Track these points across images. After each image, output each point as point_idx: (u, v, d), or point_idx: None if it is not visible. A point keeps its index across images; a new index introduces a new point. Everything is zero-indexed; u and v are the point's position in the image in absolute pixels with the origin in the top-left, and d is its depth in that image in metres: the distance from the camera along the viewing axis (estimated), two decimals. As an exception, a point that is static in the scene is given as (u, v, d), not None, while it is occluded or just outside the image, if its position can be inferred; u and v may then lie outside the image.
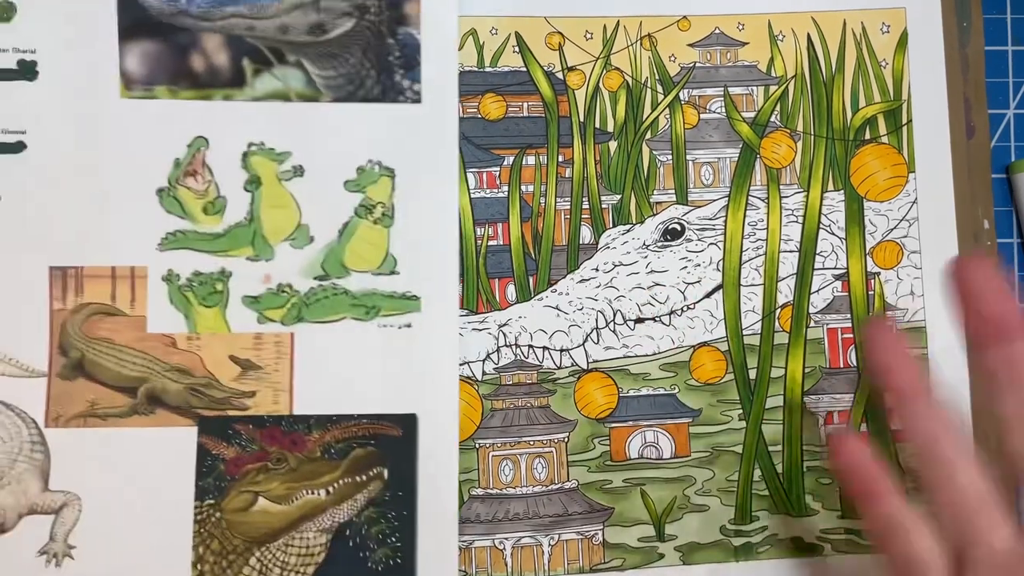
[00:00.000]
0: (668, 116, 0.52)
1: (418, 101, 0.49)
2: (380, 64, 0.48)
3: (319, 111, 0.48)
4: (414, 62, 0.48)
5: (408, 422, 0.48)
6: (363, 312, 0.48)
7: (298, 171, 0.48)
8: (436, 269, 0.49)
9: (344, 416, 0.48)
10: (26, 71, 0.47)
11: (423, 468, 0.48)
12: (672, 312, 0.51)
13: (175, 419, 0.47)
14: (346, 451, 0.48)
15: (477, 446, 0.50)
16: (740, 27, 0.52)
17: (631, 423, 0.50)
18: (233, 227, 0.48)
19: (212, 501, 0.47)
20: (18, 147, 0.47)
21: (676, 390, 0.51)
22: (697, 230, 0.52)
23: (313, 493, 0.47)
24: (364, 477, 0.47)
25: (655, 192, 0.52)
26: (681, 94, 0.52)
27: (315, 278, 0.48)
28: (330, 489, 0.47)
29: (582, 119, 0.52)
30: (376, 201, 0.48)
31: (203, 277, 0.48)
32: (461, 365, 0.50)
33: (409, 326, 0.48)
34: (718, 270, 0.51)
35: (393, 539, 0.47)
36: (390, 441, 0.48)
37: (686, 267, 0.51)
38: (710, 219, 0.52)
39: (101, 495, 0.47)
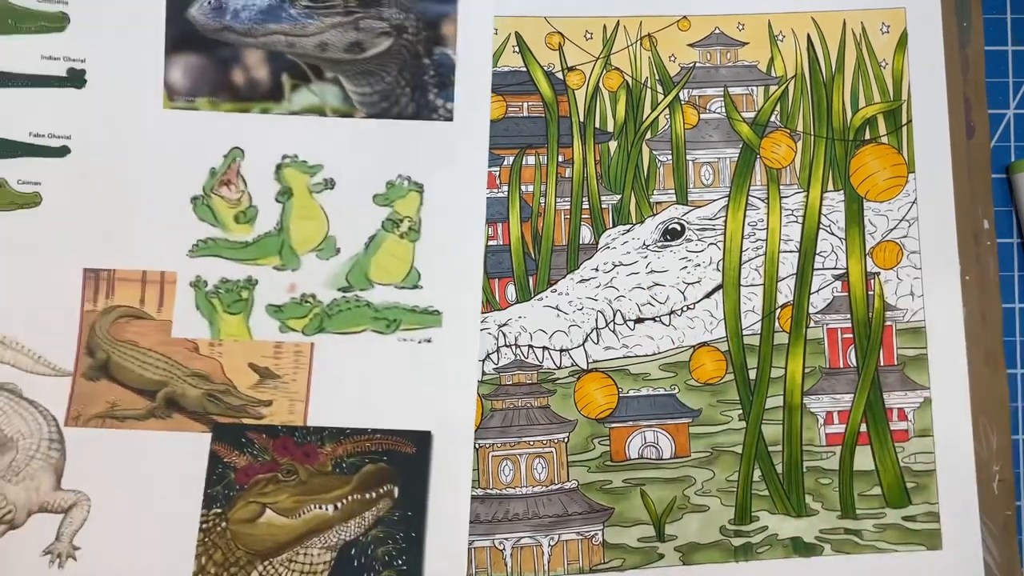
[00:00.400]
0: (668, 116, 0.52)
1: (450, 119, 0.50)
2: (415, 83, 0.49)
3: (353, 126, 0.49)
4: (448, 81, 0.49)
5: (422, 439, 0.48)
6: (384, 325, 0.48)
7: (329, 184, 0.49)
8: (459, 285, 0.49)
9: (358, 430, 0.47)
10: (75, 79, 0.49)
11: (435, 489, 0.47)
12: (672, 312, 0.51)
13: (190, 424, 0.47)
14: (357, 466, 0.47)
15: (477, 446, 0.50)
16: (740, 27, 0.52)
17: (631, 423, 0.50)
18: (262, 236, 0.49)
19: (219, 510, 0.47)
20: (63, 151, 0.49)
21: (676, 390, 0.51)
22: (697, 230, 0.52)
23: (321, 508, 0.47)
24: (374, 494, 0.47)
25: (655, 192, 0.52)
26: (681, 94, 0.52)
27: (339, 289, 0.49)
28: (339, 504, 0.47)
29: (582, 119, 0.52)
30: (404, 215, 0.49)
31: (230, 284, 0.48)
32: (461, 365, 0.50)
33: (429, 341, 0.48)
34: (718, 270, 0.51)
35: (399, 562, 0.46)
36: (402, 458, 0.47)
37: (686, 267, 0.51)
38: (710, 219, 0.52)
39: (110, 497, 0.47)
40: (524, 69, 0.51)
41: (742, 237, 0.52)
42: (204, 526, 0.46)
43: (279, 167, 0.49)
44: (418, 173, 0.49)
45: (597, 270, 0.51)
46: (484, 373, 0.50)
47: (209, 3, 0.48)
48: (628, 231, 0.51)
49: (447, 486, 0.48)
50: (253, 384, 0.48)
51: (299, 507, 0.46)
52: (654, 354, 0.51)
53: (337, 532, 0.46)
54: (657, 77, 0.52)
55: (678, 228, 0.52)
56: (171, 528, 0.46)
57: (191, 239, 0.49)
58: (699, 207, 0.52)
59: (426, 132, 0.49)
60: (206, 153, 0.49)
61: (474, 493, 0.49)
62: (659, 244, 0.51)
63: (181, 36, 0.49)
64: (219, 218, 0.49)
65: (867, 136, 0.52)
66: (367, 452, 0.47)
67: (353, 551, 0.46)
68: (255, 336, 0.48)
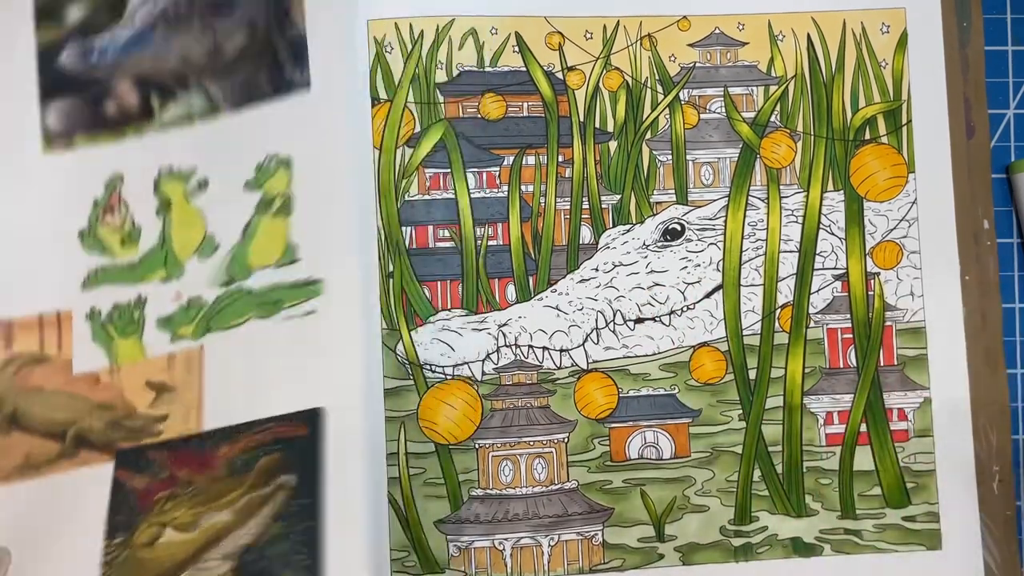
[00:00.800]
0: (668, 116, 0.52)
1: (308, 86, 0.49)
2: (271, 65, 0.49)
3: (219, 123, 0.49)
4: (303, 53, 0.49)
5: (314, 418, 0.44)
6: (267, 309, 0.47)
7: (203, 185, 0.48)
8: (337, 247, 0.47)
9: (248, 424, 0.44)
10: None
11: (331, 468, 0.44)
12: (672, 312, 0.51)
13: (97, 456, 0.46)
14: (253, 462, 0.44)
15: (477, 446, 0.50)
16: (740, 27, 0.52)
17: (631, 423, 0.50)
18: (147, 253, 0.48)
19: (122, 538, 0.44)
20: None
21: (676, 390, 0.51)
22: (697, 230, 0.52)
23: (217, 514, 0.43)
24: (269, 488, 0.43)
25: (655, 192, 0.52)
26: (681, 94, 0.52)
27: (221, 285, 0.47)
28: (234, 508, 0.43)
29: (582, 119, 0.52)
30: (275, 194, 0.48)
31: (121, 308, 0.47)
32: (460, 365, 0.50)
33: (313, 312, 0.46)
34: (718, 270, 0.51)
35: (300, 556, 0.42)
36: (297, 443, 0.44)
37: (686, 267, 0.51)
38: (710, 219, 0.52)
39: (29, 547, 0.45)
40: (524, 69, 0.51)
41: (742, 237, 0.52)
42: (107, 559, 0.43)
43: (157, 182, 0.49)
44: (284, 148, 0.48)
45: (597, 270, 0.51)
46: (484, 373, 0.50)
47: (75, 49, 0.49)
48: (628, 231, 0.51)
49: (343, 463, 0.44)
50: (151, 402, 0.46)
51: (197, 519, 0.43)
52: (654, 354, 0.51)
53: (234, 538, 0.43)
54: (657, 77, 0.52)
55: (678, 228, 0.52)
56: (86, 567, 0.44)
57: (83, 273, 0.48)
58: (699, 207, 0.52)
59: (286, 106, 0.49)
60: (88, 187, 0.49)
61: (474, 493, 0.49)
62: (659, 244, 0.51)
63: (54, 83, 0.50)
64: (107, 246, 0.48)
65: (867, 136, 0.52)
66: (261, 445, 0.44)
67: (253, 555, 0.43)
68: (149, 353, 0.47)
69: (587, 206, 0.51)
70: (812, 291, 0.52)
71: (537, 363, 0.50)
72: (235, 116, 0.49)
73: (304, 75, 0.49)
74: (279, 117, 0.49)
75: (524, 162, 0.51)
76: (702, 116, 0.52)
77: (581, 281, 0.51)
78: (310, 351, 0.46)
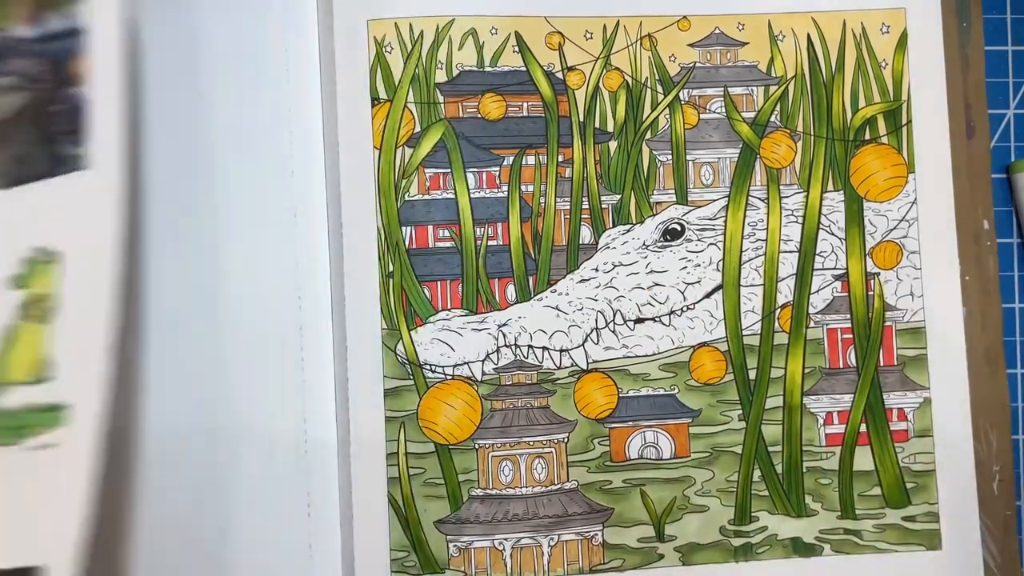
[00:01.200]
0: (668, 116, 0.52)
1: (85, 166, 0.41)
2: (46, 135, 0.42)
3: None
4: (80, 125, 0.41)
5: None
6: (9, 435, 0.39)
7: None
8: (93, 365, 0.39)
9: None
10: None
11: None
12: (672, 312, 0.51)
13: None
14: None
15: (477, 446, 0.50)
16: (740, 27, 0.52)
17: (631, 423, 0.50)
18: None
19: None
20: None
21: (676, 390, 0.51)
22: (697, 230, 0.52)
23: None
24: None
25: (655, 192, 0.52)
26: (681, 94, 0.52)
27: None
28: None
29: (582, 119, 0.52)
30: (40, 294, 0.40)
31: None
32: (460, 365, 0.50)
33: (51, 447, 0.39)
34: (718, 270, 0.51)
35: None
36: None
37: (686, 267, 0.51)
38: (710, 219, 0.52)
39: None
40: (524, 69, 0.51)
41: (742, 237, 0.52)
42: None
43: None
44: (55, 241, 0.41)
45: (597, 270, 0.51)
46: (484, 373, 0.50)
47: None
48: (628, 231, 0.51)
49: None
50: None
51: None
52: (654, 354, 0.51)
53: None
54: (657, 77, 0.52)
55: (678, 228, 0.52)
56: None
57: None
58: (699, 207, 0.52)
59: (59, 188, 0.41)
60: None
61: (474, 493, 0.49)
62: (659, 244, 0.51)
63: None
64: None
65: (867, 136, 0.52)
66: None
67: None
68: None
69: (587, 206, 0.51)
70: (812, 291, 0.52)
71: (537, 363, 0.50)
72: (6, 196, 0.41)
73: (82, 151, 0.41)
74: (52, 201, 0.41)
75: (524, 162, 0.51)
76: (702, 116, 0.52)
77: (581, 281, 0.51)
78: (39, 494, 0.39)
